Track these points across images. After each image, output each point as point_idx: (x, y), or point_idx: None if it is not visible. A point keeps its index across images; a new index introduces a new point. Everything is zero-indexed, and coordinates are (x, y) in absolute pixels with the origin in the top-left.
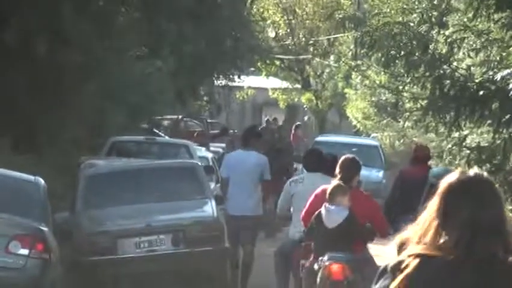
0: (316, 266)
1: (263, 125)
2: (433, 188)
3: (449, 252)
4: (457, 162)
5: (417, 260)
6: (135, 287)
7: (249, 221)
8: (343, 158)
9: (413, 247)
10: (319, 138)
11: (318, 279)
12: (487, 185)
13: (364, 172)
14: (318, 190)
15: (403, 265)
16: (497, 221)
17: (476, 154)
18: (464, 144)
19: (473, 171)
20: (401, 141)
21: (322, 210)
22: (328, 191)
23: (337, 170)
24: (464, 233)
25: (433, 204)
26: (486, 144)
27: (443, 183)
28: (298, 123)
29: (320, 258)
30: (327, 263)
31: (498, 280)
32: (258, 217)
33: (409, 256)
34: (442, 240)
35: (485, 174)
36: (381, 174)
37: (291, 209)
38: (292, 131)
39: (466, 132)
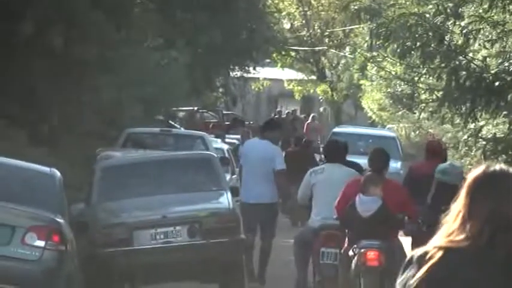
0: (351, 253)
1: (283, 116)
2: (440, 184)
3: (472, 245)
4: (472, 153)
5: (441, 252)
6: (151, 278)
7: (263, 208)
8: (373, 149)
9: (439, 238)
10: (337, 129)
11: (353, 265)
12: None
13: None
14: (350, 180)
15: (428, 256)
16: None
17: (492, 145)
18: (480, 135)
19: (499, 165)
20: (417, 132)
21: (357, 199)
22: (361, 182)
23: (368, 162)
24: (486, 226)
25: (459, 198)
26: (502, 135)
27: (470, 177)
28: (313, 114)
29: (355, 246)
30: (362, 250)
31: None
32: (271, 204)
33: (434, 247)
34: (466, 233)
35: (511, 169)
36: (399, 165)
37: (312, 198)
38: (308, 121)
39: (481, 123)
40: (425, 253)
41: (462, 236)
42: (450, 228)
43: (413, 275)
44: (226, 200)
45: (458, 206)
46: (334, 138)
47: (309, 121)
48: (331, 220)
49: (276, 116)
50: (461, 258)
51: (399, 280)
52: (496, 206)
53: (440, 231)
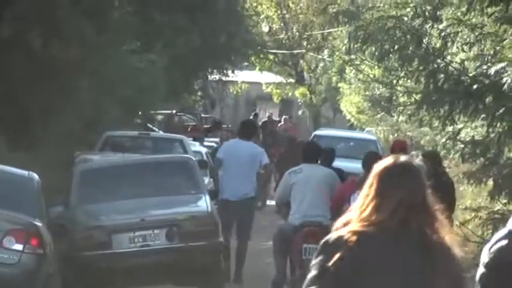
0: None
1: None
2: None
3: (386, 228)
4: (451, 156)
5: (356, 236)
6: (130, 281)
7: (244, 204)
8: (367, 152)
9: (353, 224)
10: (318, 132)
11: None
12: (418, 170)
13: None
14: (347, 181)
15: (344, 240)
16: (426, 202)
17: (471, 148)
18: (458, 138)
19: (405, 157)
20: (396, 135)
21: (352, 198)
22: (357, 182)
23: (362, 164)
24: (399, 210)
25: (369, 186)
26: (480, 138)
27: (379, 167)
28: (285, 116)
29: None
30: None
31: (431, 255)
32: (253, 199)
33: (349, 232)
34: (379, 217)
35: (410, 161)
36: None
37: (291, 198)
38: (288, 124)
39: (460, 126)
40: (340, 237)
41: (375, 220)
42: (362, 214)
43: (329, 258)
44: (204, 203)
45: (368, 193)
46: (315, 140)
47: (281, 123)
48: (310, 217)
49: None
50: (376, 240)
51: (314, 262)
52: (406, 192)
53: (349, 217)
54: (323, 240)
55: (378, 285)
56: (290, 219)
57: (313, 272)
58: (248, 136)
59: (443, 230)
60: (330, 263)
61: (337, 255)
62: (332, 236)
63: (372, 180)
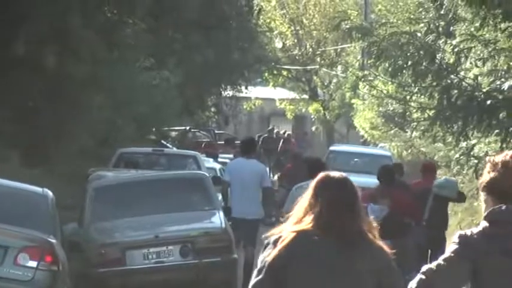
0: None
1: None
2: (436, 197)
3: (314, 227)
4: (464, 171)
5: (292, 235)
6: None
7: (250, 224)
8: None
9: (291, 226)
10: (334, 148)
11: None
12: (346, 180)
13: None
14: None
15: (282, 239)
16: (356, 206)
17: (484, 163)
18: (472, 153)
19: (337, 172)
20: (409, 151)
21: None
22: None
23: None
24: (325, 212)
25: (306, 193)
26: (494, 154)
27: (318, 178)
28: (287, 132)
29: None
30: None
31: (356, 247)
32: (258, 220)
33: (287, 232)
34: (312, 218)
35: (340, 174)
36: None
37: None
38: (292, 140)
39: (473, 141)
40: (280, 237)
41: (307, 222)
42: (298, 217)
43: (269, 254)
44: (218, 219)
45: (305, 201)
46: (330, 156)
47: (292, 140)
48: None
49: (265, 135)
50: (308, 238)
51: (260, 258)
52: (333, 194)
53: (289, 221)
54: (266, 241)
55: (310, 274)
56: None
57: (258, 266)
58: (249, 153)
59: (370, 228)
60: (269, 258)
61: (275, 251)
62: (274, 236)
63: (312, 188)
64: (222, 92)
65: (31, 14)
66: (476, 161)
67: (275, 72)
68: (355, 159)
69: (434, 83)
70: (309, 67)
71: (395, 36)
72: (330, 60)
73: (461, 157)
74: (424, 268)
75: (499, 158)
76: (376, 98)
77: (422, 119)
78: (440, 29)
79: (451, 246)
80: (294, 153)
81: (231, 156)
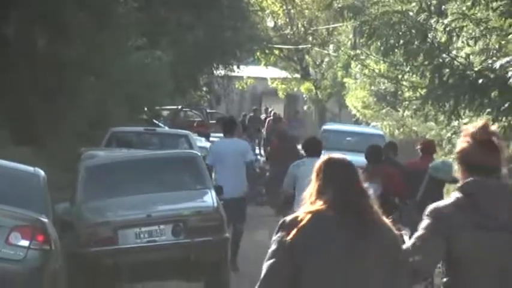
0: None
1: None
2: (431, 179)
3: (329, 209)
4: (456, 150)
5: (309, 215)
6: (136, 277)
7: (238, 201)
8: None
9: (306, 206)
10: (327, 127)
11: None
12: (350, 163)
13: None
14: None
15: (299, 219)
16: (362, 188)
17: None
18: None
19: (341, 155)
20: (401, 130)
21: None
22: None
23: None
24: (338, 196)
25: (315, 177)
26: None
27: (322, 161)
28: (271, 110)
29: None
30: None
31: (368, 226)
32: (244, 197)
33: (303, 213)
34: (326, 200)
35: (342, 156)
36: None
37: (295, 189)
38: (269, 118)
39: (465, 120)
40: (297, 217)
41: (321, 203)
42: (311, 199)
43: (288, 233)
44: (210, 198)
45: (315, 183)
46: (324, 134)
47: (270, 117)
48: None
49: (251, 114)
50: (324, 218)
51: (274, 238)
52: (345, 182)
53: (305, 200)
54: (281, 220)
55: (329, 252)
56: (295, 209)
57: (273, 247)
58: (230, 133)
59: (377, 210)
60: (287, 238)
61: (293, 232)
62: (289, 216)
63: (317, 171)
64: (214, 71)
65: None
66: None
67: (267, 51)
68: (348, 138)
69: (426, 62)
70: (300, 46)
71: (387, 15)
72: (321, 40)
73: (453, 136)
74: (410, 246)
75: (470, 129)
76: (368, 77)
77: (414, 98)
78: (432, 8)
79: (424, 221)
80: (281, 131)
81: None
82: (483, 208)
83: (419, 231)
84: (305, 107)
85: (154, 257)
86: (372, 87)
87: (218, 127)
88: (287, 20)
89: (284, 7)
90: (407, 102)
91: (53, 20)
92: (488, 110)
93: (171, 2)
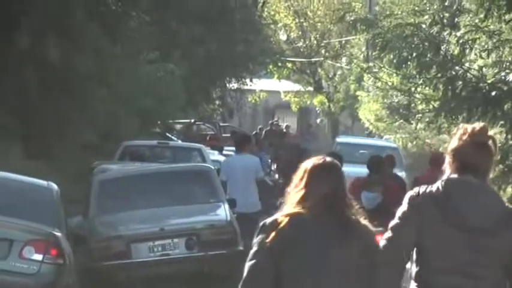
0: None
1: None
2: None
3: (314, 211)
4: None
5: (288, 218)
6: None
7: (250, 218)
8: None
9: (286, 209)
10: (340, 140)
11: None
12: (339, 168)
13: None
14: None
15: (278, 222)
16: (345, 193)
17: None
18: None
19: (329, 158)
20: (414, 142)
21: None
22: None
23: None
24: (323, 200)
25: (299, 179)
26: (499, 145)
27: (309, 164)
28: (286, 124)
29: None
30: None
31: (348, 229)
32: (257, 213)
33: (282, 215)
34: (308, 203)
35: (334, 160)
36: (403, 174)
37: None
38: (290, 133)
39: None
40: (275, 220)
41: (302, 207)
42: (293, 202)
43: (267, 236)
44: (223, 212)
45: (298, 186)
46: (337, 148)
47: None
48: None
49: (267, 128)
50: (303, 222)
51: (254, 240)
52: (331, 185)
53: (286, 206)
54: (261, 223)
55: (305, 255)
56: None
57: (253, 249)
58: (242, 149)
59: (358, 213)
60: (267, 240)
61: (272, 234)
62: (269, 219)
63: (302, 174)
64: (227, 85)
65: (34, 6)
66: None
67: (280, 64)
68: (362, 151)
69: (439, 75)
70: (313, 59)
71: (399, 28)
72: (334, 52)
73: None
74: (384, 237)
75: (469, 129)
76: (381, 90)
77: (427, 111)
78: (445, 20)
79: (402, 206)
80: (293, 145)
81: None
82: (458, 208)
83: (394, 220)
84: (318, 120)
85: (168, 271)
86: (385, 100)
87: (231, 141)
88: (300, 33)
89: (297, 20)
90: (420, 115)
91: (64, 31)
92: (502, 122)
93: (183, 15)
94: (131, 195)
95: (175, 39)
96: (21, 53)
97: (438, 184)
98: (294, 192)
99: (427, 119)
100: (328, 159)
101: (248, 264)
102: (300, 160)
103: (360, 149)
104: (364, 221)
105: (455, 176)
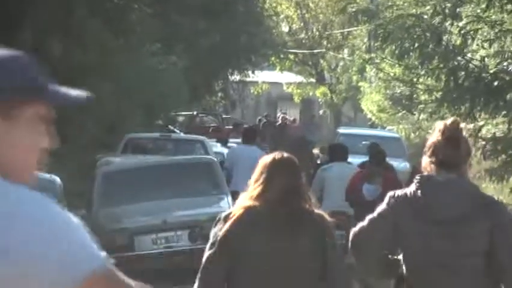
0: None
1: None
2: None
3: (270, 204)
4: (472, 153)
5: (242, 210)
6: (153, 283)
7: None
8: (370, 146)
9: (243, 201)
10: (342, 130)
11: None
12: (295, 163)
13: (393, 163)
14: (357, 171)
15: (232, 214)
16: (302, 187)
17: (492, 145)
18: (479, 135)
19: (283, 153)
20: (417, 133)
21: (363, 187)
22: (366, 173)
23: (369, 156)
24: (284, 193)
25: (258, 173)
26: (501, 135)
27: (267, 159)
28: (282, 115)
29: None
30: None
31: (305, 226)
32: None
33: (237, 208)
34: (266, 197)
35: (291, 156)
36: (407, 164)
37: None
38: (279, 123)
39: (481, 123)
40: (230, 212)
41: (260, 200)
42: (250, 195)
43: (220, 229)
44: (226, 204)
45: (258, 180)
46: (340, 138)
47: (279, 122)
48: (337, 208)
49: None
50: (257, 214)
51: (211, 233)
52: (290, 180)
53: (240, 198)
54: (218, 216)
55: (258, 245)
56: (322, 209)
57: (210, 240)
58: (249, 141)
59: (313, 206)
60: (221, 232)
61: (225, 226)
62: (224, 212)
63: (261, 169)
64: (229, 77)
65: (36, 2)
66: (483, 143)
67: (282, 56)
68: (364, 142)
69: (441, 65)
70: (315, 51)
71: (401, 18)
72: (336, 44)
73: (469, 139)
74: (355, 228)
75: (444, 125)
76: (383, 81)
77: (429, 101)
78: (447, 10)
79: (380, 205)
80: (297, 137)
81: (239, 140)
82: (429, 202)
83: (372, 215)
84: (320, 112)
85: (171, 263)
86: (387, 91)
87: (234, 132)
88: (302, 24)
89: (299, 12)
90: (422, 106)
91: (67, 26)
92: (504, 112)
93: (185, 7)
94: (134, 188)
95: (178, 31)
96: (24, 48)
97: (413, 184)
98: (255, 186)
99: (429, 110)
100: (286, 155)
101: (205, 256)
102: (306, 152)
103: (362, 139)
104: (318, 211)
105: (424, 174)
